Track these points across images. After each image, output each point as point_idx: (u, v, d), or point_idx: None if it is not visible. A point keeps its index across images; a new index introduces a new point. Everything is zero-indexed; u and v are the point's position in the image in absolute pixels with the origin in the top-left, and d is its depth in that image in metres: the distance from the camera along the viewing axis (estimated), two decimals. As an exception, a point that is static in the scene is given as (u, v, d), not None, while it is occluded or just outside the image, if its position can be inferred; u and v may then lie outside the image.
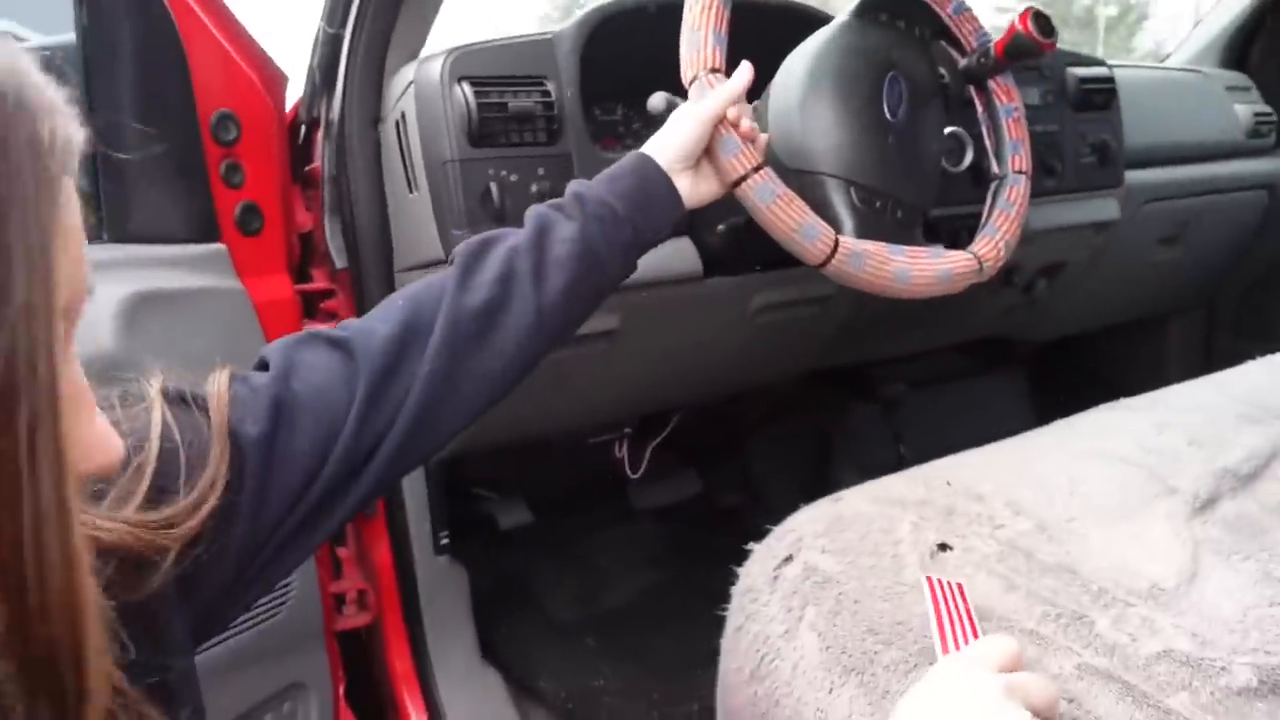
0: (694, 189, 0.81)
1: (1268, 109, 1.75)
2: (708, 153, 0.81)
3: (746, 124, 0.82)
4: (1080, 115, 1.39)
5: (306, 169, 1.27)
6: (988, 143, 1.03)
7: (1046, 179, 1.34)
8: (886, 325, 1.41)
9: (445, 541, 1.25)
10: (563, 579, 1.50)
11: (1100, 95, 1.39)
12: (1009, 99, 1.02)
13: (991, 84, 1.02)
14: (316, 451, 0.58)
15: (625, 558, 1.54)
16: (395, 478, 0.65)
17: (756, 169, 0.81)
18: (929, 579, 0.60)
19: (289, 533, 0.56)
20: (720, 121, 0.80)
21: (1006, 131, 1.01)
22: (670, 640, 1.38)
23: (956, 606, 0.57)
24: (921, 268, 0.88)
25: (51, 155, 0.31)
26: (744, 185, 0.81)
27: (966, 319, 1.51)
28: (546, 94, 1.00)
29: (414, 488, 1.22)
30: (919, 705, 0.49)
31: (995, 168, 1.02)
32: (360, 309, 1.16)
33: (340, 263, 1.16)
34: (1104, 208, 1.43)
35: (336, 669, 1.23)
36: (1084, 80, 1.38)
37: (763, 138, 0.85)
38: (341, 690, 1.24)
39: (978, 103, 1.03)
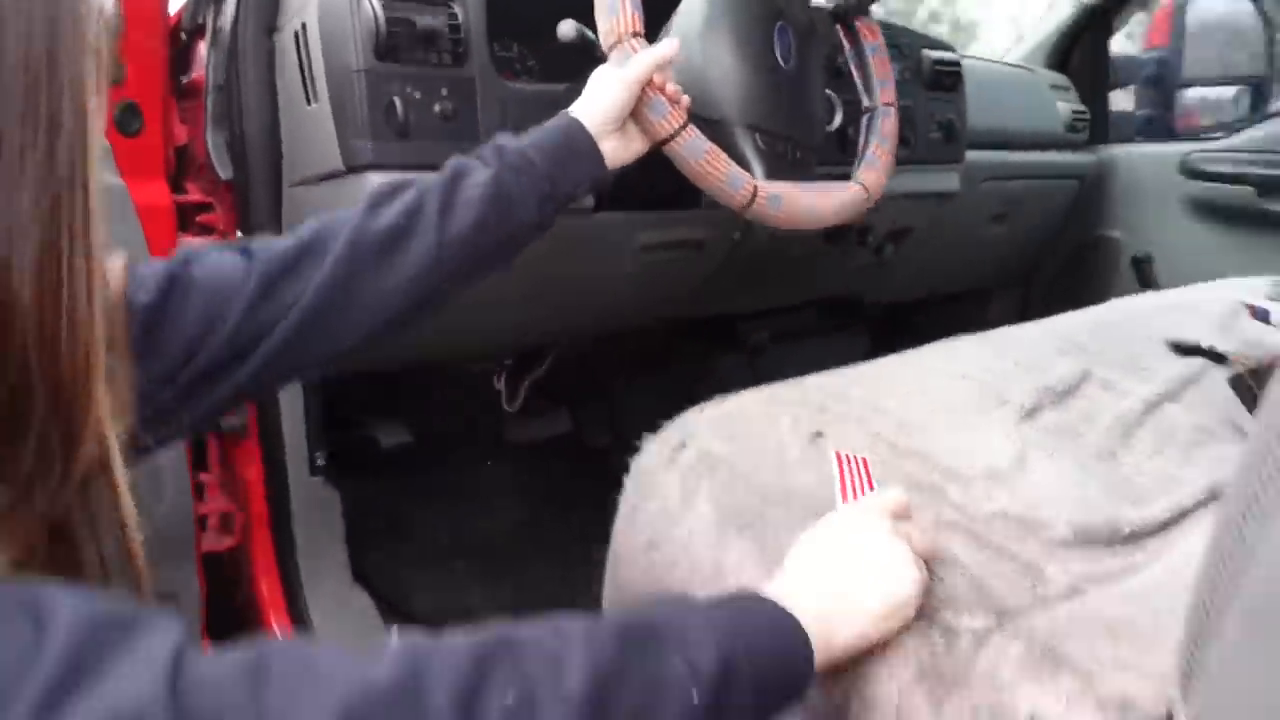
0: (621, 150, 0.86)
1: (1083, 107, 1.97)
2: (633, 114, 0.86)
3: (672, 87, 0.88)
4: (931, 94, 1.53)
5: (184, 80, 1.23)
6: (857, 78, 1.13)
7: (900, 149, 1.47)
8: (755, 276, 1.51)
9: (321, 463, 1.25)
10: (436, 506, 1.52)
11: (949, 78, 1.54)
12: (874, 37, 1.13)
13: (857, 24, 1.13)
14: (201, 325, 0.61)
15: (498, 488, 1.58)
16: (276, 378, 0.68)
17: (683, 127, 0.88)
18: (837, 452, 0.68)
19: (166, 404, 0.59)
20: (647, 84, 0.85)
21: (873, 67, 1.12)
22: (542, 566, 1.43)
23: (858, 470, 0.66)
24: (825, 201, 0.97)
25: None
26: (673, 143, 0.88)
27: (824, 277, 1.63)
28: (454, 15, 1.02)
29: (291, 407, 1.21)
30: (817, 539, 0.56)
31: (866, 100, 1.13)
32: (244, 222, 1.14)
33: (225, 174, 1.13)
34: (947, 180, 1.58)
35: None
36: (936, 63, 1.52)
37: (685, 99, 0.91)
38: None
39: (845, 42, 1.14)
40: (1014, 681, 0.53)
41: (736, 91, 0.98)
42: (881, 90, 1.12)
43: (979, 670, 0.54)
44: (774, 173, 0.96)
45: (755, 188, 0.92)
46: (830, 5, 1.12)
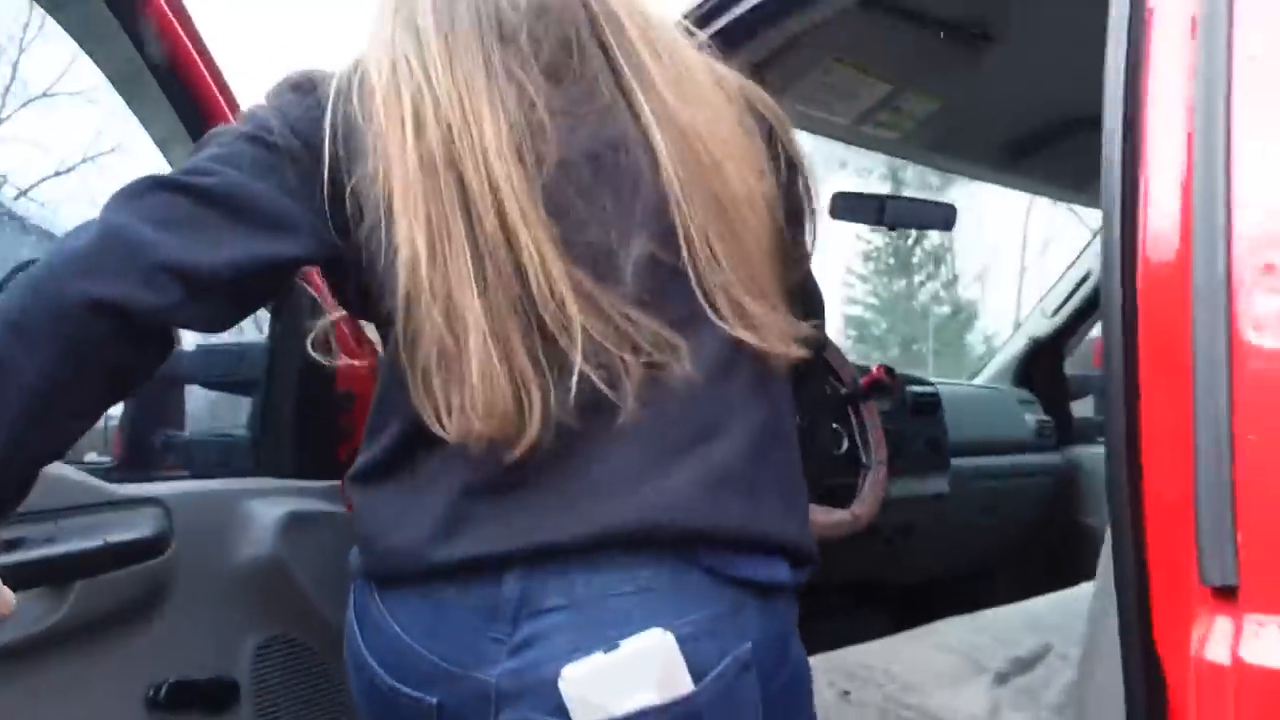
0: None
1: (1048, 418, 2.40)
2: None
3: None
4: (916, 419, 1.96)
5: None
6: (859, 442, 1.55)
7: (895, 461, 1.87)
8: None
9: None
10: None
11: (928, 405, 1.98)
12: (871, 416, 1.56)
13: (862, 407, 1.56)
14: None
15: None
16: None
17: None
18: None
19: None
20: None
21: (871, 436, 1.54)
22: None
23: None
24: (823, 518, 1.35)
25: None
26: None
27: (846, 566, 1.98)
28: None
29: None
30: None
31: (864, 458, 1.54)
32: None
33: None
34: (937, 484, 1.97)
35: None
36: (917, 395, 1.97)
37: None
38: None
39: (853, 418, 1.57)
40: None
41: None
42: (876, 450, 1.54)
43: None
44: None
45: None
46: (844, 392, 1.56)
